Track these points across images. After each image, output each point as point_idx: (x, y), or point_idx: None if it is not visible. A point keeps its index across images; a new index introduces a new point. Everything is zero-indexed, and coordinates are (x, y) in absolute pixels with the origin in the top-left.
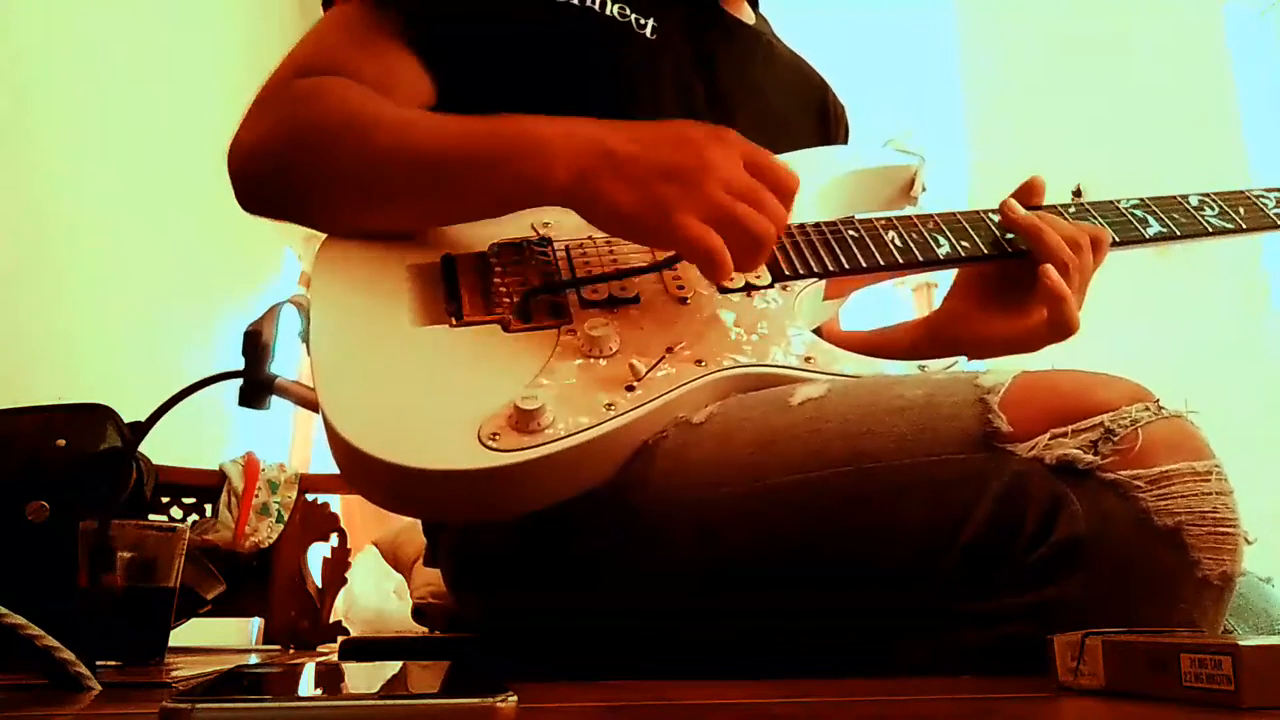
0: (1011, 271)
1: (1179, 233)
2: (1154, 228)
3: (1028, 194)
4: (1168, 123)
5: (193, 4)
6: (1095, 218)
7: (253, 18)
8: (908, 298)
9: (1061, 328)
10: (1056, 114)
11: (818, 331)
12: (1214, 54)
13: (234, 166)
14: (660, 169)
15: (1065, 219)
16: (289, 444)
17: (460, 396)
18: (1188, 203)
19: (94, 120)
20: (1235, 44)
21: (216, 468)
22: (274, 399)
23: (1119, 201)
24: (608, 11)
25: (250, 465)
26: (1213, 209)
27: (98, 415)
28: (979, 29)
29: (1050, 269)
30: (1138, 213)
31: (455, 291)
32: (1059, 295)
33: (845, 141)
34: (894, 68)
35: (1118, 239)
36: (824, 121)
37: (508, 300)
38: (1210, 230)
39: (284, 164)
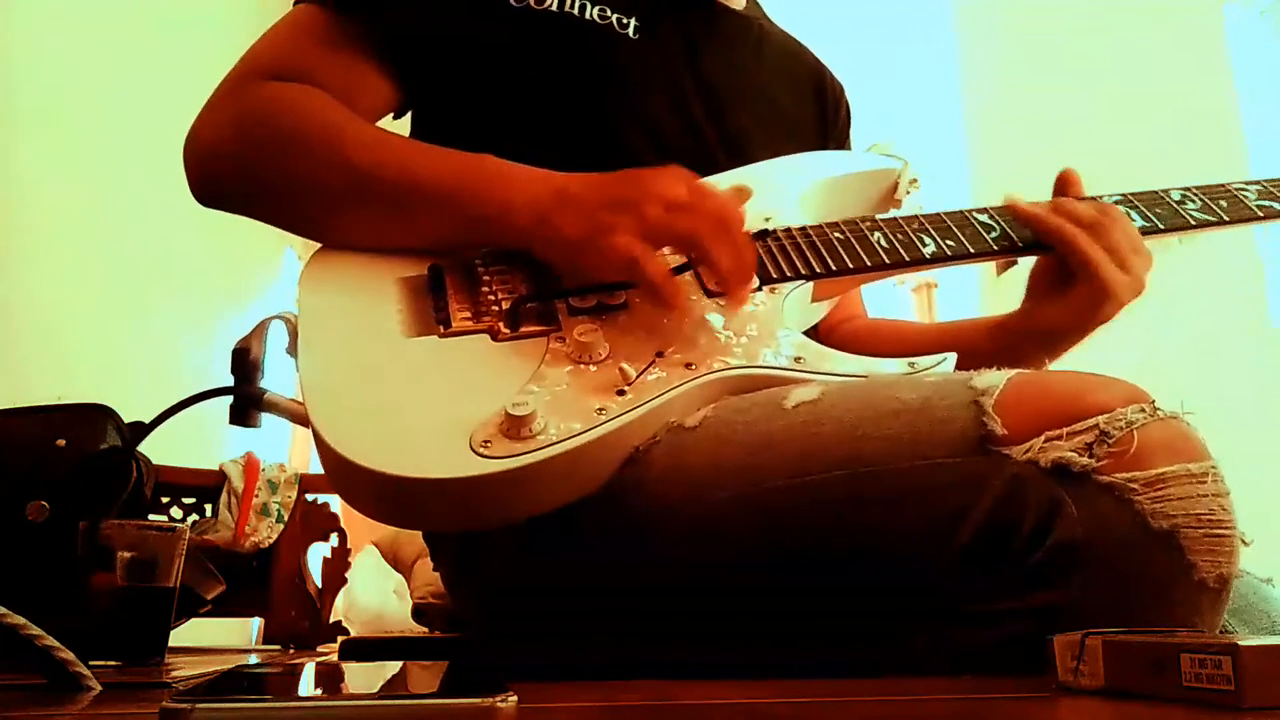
0: (1057, 262)
1: (1162, 226)
2: (1137, 222)
3: (1062, 187)
4: (1168, 122)
5: (193, 2)
6: None
7: (253, 18)
8: (907, 298)
9: (1102, 292)
10: (1056, 114)
11: (812, 332)
12: (1214, 54)
13: (194, 159)
14: (604, 201)
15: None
16: (289, 444)
17: (451, 405)
18: (1169, 197)
19: (94, 119)
20: (1235, 44)
21: (216, 468)
22: (265, 415)
23: (1102, 196)
24: (587, 15)
25: (250, 465)
26: (1194, 202)
27: (98, 415)
28: (978, 28)
29: (1070, 243)
30: (1121, 207)
31: (443, 301)
32: (1083, 260)
33: (846, 122)
34: (894, 65)
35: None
36: (821, 104)
37: (496, 309)
38: (1193, 223)
39: (252, 166)
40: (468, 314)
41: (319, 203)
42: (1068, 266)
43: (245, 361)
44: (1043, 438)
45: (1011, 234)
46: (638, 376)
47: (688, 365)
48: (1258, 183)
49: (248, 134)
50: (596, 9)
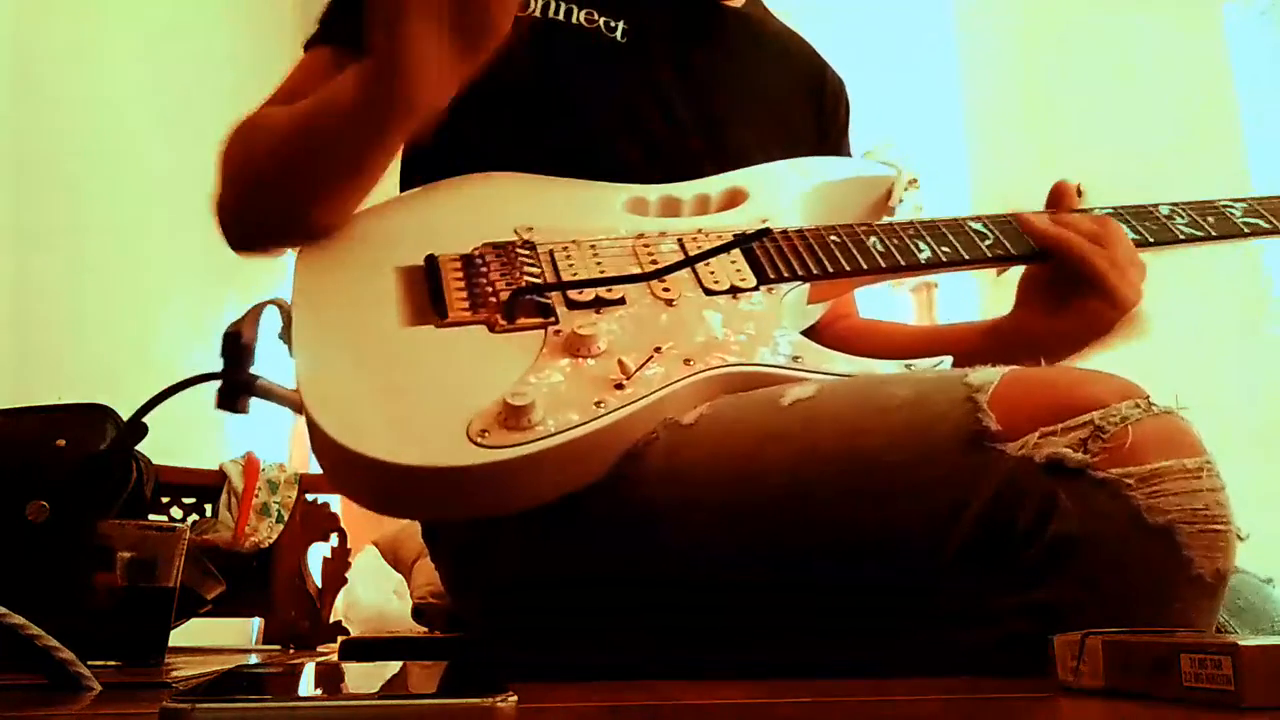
0: (1064, 273)
1: (1151, 240)
2: (1129, 235)
3: (1057, 199)
4: (1167, 122)
5: (196, 8)
6: None
7: (255, 21)
8: (906, 299)
9: (1106, 302)
10: (1056, 114)
11: (810, 332)
12: (1214, 53)
13: (219, 219)
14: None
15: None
16: (289, 444)
17: (448, 394)
18: (1158, 211)
19: (95, 119)
20: (1235, 43)
21: (216, 468)
22: (254, 401)
23: (1093, 210)
24: (574, 20)
25: (250, 465)
26: (1183, 218)
27: (98, 415)
28: (978, 28)
29: (1077, 254)
30: (1113, 220)
31: (440, 292)
32: (1091, 271)
33: (846, 118)
34: (894, 65)
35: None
36: (819, 102)
37: (493, 301)
38: (1181, 238)
39: (250, 187)
40: (465, 304)
41: (299, 183)
42: (1070, 277)
43: (236, 346)
44: (1037, 433)
45: (1005, 242)
46: (636, 370)
47: (686, 361)
48: (1244, 200)
49: (236, 164)
50: (584, 12)
